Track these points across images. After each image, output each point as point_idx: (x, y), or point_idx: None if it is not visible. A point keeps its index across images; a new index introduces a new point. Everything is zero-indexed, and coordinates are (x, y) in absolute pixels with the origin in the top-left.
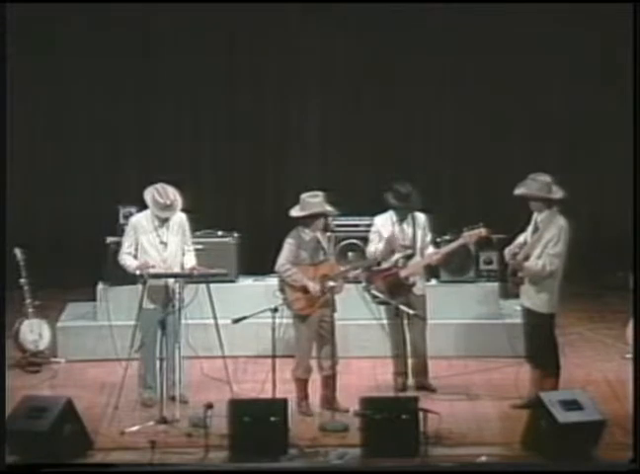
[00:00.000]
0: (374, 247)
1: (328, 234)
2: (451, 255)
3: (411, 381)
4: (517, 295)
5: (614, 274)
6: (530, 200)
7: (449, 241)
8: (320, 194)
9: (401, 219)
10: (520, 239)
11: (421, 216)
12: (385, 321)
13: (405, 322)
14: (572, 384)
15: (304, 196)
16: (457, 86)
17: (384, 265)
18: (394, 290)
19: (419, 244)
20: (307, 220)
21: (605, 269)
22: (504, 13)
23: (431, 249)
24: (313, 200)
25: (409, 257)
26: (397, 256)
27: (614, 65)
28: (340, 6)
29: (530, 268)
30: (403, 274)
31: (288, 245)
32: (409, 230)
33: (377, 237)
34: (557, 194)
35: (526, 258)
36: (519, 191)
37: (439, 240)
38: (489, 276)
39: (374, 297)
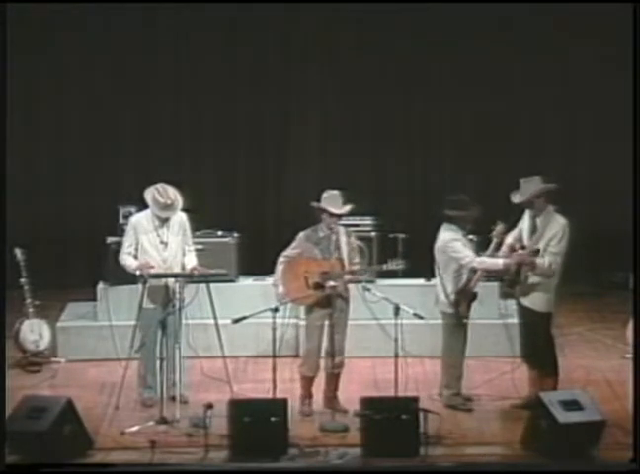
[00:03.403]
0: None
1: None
2: None
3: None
4: (509, 295)
5: (614, 274)
6: (531, 203)
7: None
8: (335, 192)
9: (465, 233)
10: (509, 239)
11: None
12: (445, 323)
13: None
14: (572, 384)
15: (325, 193)
16: (458, 86)
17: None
18: (470, 303)
19: None
20: (322, 217)
21: (605, 269)
22: (504, 14)
23: None
24: (326, 196)
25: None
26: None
27: (614, 64)
28: (341, 6)
29: (542, 265)
30: (474, 286)
31: (298, 238)
32: (469, 243)
33: (467, 249)
34: (551, 186)
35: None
36: (517, 199)
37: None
38: (489, 276)
39: (460, 317)
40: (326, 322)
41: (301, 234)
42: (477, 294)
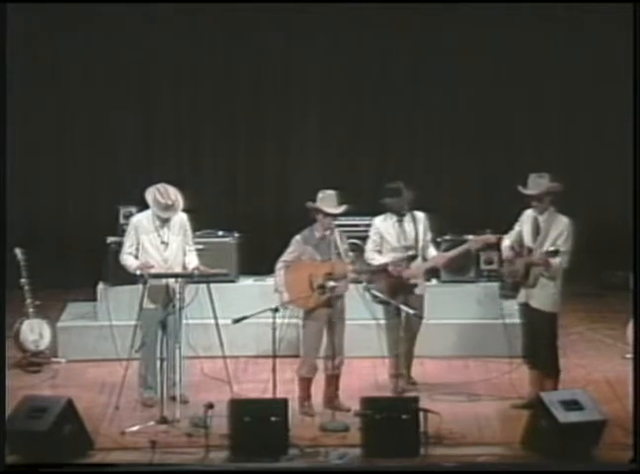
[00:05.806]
0: (373, 250)
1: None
2: (455, 258)
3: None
4: (511, 297)
5: (614, 274)
6: (540, 199)
7: (451, 241)
8: (331, 192)
9: (400, 219)
10: (507, 242)
11: (420, 215)
12: (383, 321)
13: (402, 322)
14: (572, 384)
15: (320, 193)
16: (458, 86)
17: (382, 262)
18: (396, 291)
19: (420, 244)
20: (317, 217)
21: (606, 269)
22: (503, 15)
23: (432, 249)
24: (321, 196)
25: (412, 257)
26: (400, 256)
27: (615, 64)
28: (341, 6)
29: (556, 265)
30: (406, 275)
31: (294, 242)
32: (410, 230)
33: (378, 238)
34: (557, 188)
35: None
36: (531, 191)
37: (439, 240)
38: (489, 276)
39: (374, 297)
40: (325, 323)
41: (297, 237)
42: (414, 288)
